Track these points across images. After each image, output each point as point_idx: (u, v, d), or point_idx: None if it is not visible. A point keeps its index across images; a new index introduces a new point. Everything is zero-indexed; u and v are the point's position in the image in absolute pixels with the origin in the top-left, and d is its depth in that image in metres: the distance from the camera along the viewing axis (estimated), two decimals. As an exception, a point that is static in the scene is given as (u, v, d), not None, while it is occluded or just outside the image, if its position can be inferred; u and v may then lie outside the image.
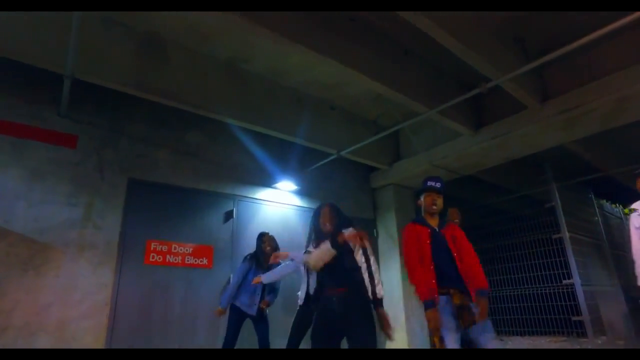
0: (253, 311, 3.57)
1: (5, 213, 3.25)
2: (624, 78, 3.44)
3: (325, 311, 2.29)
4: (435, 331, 2.17)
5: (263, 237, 3.83)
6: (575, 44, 2.82)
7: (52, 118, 3.67)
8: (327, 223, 2.44)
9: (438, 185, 2.52)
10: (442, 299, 2.25)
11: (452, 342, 2.14)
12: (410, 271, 2.36)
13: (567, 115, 3.82)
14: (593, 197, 5.43)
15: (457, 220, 3.50)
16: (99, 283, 3.54)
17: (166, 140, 4.30)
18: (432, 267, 2.31)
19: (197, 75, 3.86)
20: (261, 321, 3.64)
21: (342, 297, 2.25)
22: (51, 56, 3.08)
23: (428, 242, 2.38)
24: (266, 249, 3.73)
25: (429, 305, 2.20)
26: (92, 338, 3.38)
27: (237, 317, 3.60)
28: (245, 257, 3.81)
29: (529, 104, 3.91)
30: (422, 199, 2.56)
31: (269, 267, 3.66)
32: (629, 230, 3.49)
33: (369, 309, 2.26)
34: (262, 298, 3.63)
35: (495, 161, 5.01)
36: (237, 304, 3.61)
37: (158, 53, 3.64)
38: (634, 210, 3.52)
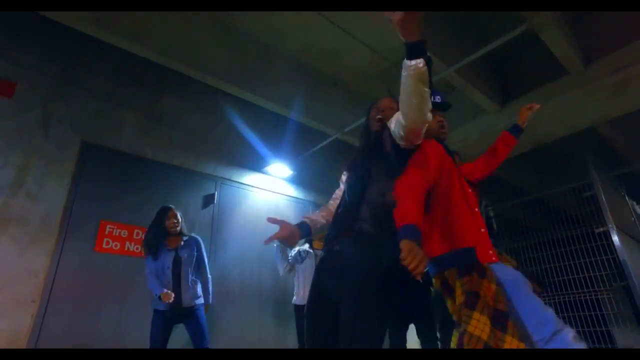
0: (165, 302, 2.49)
1: None
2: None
3: (324, 269, 1.39)
4: (486, 304, 1.17)
5: (169, 212, 2.80)
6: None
7: (-15, 59, 2.90)
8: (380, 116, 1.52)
9: (438, 99, 1.61)
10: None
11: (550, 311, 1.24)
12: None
13: (617, 78, 3.25)
14: (625, 194, 4.80)
15: None
16: (27, 269, 2.63)
17: (136, 100, 3.52)
18: (478, 212, 1.44)
19: (178, 22, 3.18)
20: (189, 318, 2.63)
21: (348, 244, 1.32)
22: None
23: (462, 177, 1.53)
24: (174, 226, 2.77)
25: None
26: (4, 345, 2.43)
27: (159, 320, 2.59)
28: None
29: (572, 65, 3.34)
30: None
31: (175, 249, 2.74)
32: None
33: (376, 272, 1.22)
34: (178, 287, 2.61)
35: (520, 146, 4.37)
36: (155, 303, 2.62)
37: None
38: None
